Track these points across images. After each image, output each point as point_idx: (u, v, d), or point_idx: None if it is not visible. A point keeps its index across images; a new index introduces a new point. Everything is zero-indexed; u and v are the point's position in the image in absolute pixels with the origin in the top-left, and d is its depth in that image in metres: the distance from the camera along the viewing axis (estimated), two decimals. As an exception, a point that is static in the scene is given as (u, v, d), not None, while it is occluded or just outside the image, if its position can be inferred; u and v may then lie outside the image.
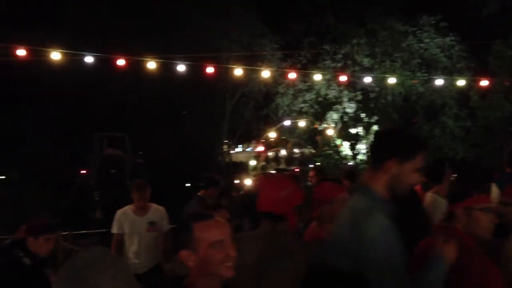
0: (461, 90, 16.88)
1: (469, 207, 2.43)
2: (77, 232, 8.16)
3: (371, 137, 19.54)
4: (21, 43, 7.99)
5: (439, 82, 15.31)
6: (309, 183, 6.56)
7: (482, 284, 2.20)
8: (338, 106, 19.88)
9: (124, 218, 5.20)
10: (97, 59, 8.56)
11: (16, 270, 3.50)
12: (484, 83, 12.03)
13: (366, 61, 18.78)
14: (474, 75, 16.43)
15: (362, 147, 19.75)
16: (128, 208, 5.26)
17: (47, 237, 3.61)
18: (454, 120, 18.39)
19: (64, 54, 8.22)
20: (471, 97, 17.14)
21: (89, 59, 8.33)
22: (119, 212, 5.28)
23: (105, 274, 1.18)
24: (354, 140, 19.70)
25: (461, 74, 16.17)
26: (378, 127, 19.66)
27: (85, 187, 17.83)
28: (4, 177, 15.51)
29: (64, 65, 9.26)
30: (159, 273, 5.19)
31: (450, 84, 16.94)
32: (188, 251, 1.82)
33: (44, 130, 19.69)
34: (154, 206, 5.39)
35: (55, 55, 8.04)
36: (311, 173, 6.78)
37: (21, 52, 7.76)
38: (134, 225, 5.14)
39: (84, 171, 18.37)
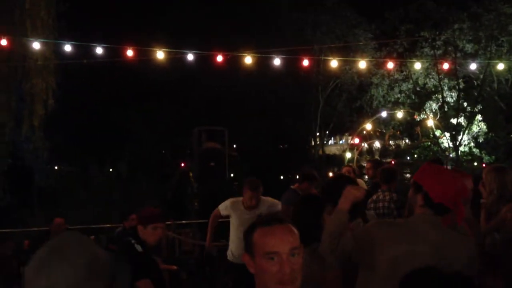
0: None
1: None
2: (178, 222, 8.53)
3: (474, 128, 18.41)
4: (128, 44, 8.55)
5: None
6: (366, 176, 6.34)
7: None
8: (437, 96, 18.98)
9: (234, 208, 5.28)
10: (197, 56, 8.90)
11: (130, 257, 3.74)
12: None
13: (469, 47, 17.68)
14: None
15: (464, 138, 18.65)
16: (241, 200, 5.32)
17: (154, 225, 3.82)
18: None
19: (166, 53, 8.66)
20: None
21: (190, 56, 8.70)
22: (231, 200, 5.35)
23: (71, 259, 1.25)
24: (455, 131, 18.65)
25: None
26: (482, 117, 18.48)
27: (185, 179, 18.77)
28: (111, 170, 16.68)
29: (166, 63, 9.78)
30: None
31: None
32: (249, 256, 1.69)
33: (148, 126, 20.96)
34: (265, 199, 5.30)
35: (160, 54, 8.51)
36: (367, 165, 6.55)
37: (129, 53, 8.32)
38: (241, 217, 5.14)
39: (183, 164, 19.33)
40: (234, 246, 5.24)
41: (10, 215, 13.41)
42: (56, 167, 20.22)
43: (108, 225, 10.06)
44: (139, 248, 3.74)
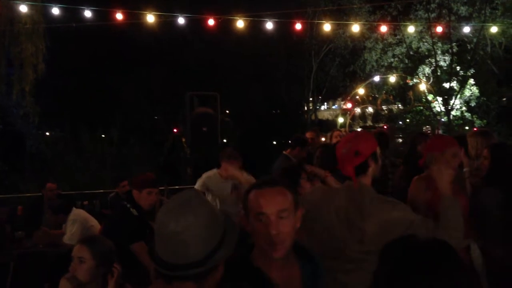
0: None
1: None
2: (171, 187, 8.57)
3: (467, 92, 18.43)
4: (117, 7, 8.37)
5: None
6: None
7: None
8: (430, 60, 18.89)
9: (210, 182, 5.31)
10: (188, 20, 8.75)
11: (126, 220, 3.79)
12: None
13: (463, 10, 17.49)
14: None
15: (456, 102, 18.69)
16: (213, 173, 5.35)
17: (149, 190, 3.86)
18: None
19: (157, 17, 8.51)
20: None
21: (180, 20, 8.55)
22: (205, 175, 5.39)
23: (198, 210, 1.46)
24: (447, 95, 18.66)
25: None
26: (475, 81, 18.48)
27: (178, 145, 18.78)
28: (104, 136, 16.61)
29: (157, 27, 9.63)
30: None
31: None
32: (245, 216, 1.77)
33: (140, 91, 20.76)
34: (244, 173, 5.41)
35: (150, 18, 8.35)
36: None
37: (118, 16, 8.16)
38: (219, 187, 5.20)
39: (176, 130, 19.29)
40: None
41: (2, 181, 13.40)
42: (47, 133, 20.09)
43: (101, 191, 10.11)
44: (134, 212, 3.79)
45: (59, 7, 8.42)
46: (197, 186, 5.40)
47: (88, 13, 8.52)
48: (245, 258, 1.77)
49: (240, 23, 8.64)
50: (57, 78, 17.82)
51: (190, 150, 9.63)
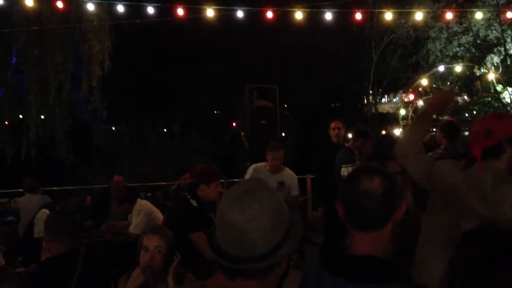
0: None
1: None
2: (231, 180, 8.68)
3: (540, 81, 17.32)
4: (178, 3, 8.55)
5: None
6: None
7: None
8: (499, 48, 17.91)
9: (258, 173, 5.33)
10: (246, 13, 8.78)
11: (186, 211, 3.86)
12: None
13: (536, -7, 16.45)
14: None
15: (528, 92, 17.63)
16: (262, 166, 5.40)
17: (217, 183, 3.91)
18: None
19: (216, 11, 8.61)
20: None
21: (239, 13, 8.60)
22: (253, 167, 5.43)
23: (264, 200, 1.37)
24: (518, 85, 17.64)
25: None
26: (548, 70, 17.35)
27: (237, 138, 18.96)
28: (166, 130, 17.08)
29: (216, 21, 9.73)
30: None
31: None
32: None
33: (200, 85, 21.15)
34: (288, 169, 5.50)
35: (209, 12, 8.48)
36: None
37: (179, 12, 8.34)
38: (267, 181, 5.17)
39: (235, 124, 19.49)
40: None
41: (72, 173, 14.12)
42: (113, 128, 20.95)
43: (163, 183, 10.41)
44: (194, 203, 3.86)
45: (124, 5, 8.72)
46: (246, 176, 5.45)
47: (150, 10, 8.77)
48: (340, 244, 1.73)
49: (298, 15, 8.56)
50: (121, 75, 18.49)
51: (249, 144, 9.69)
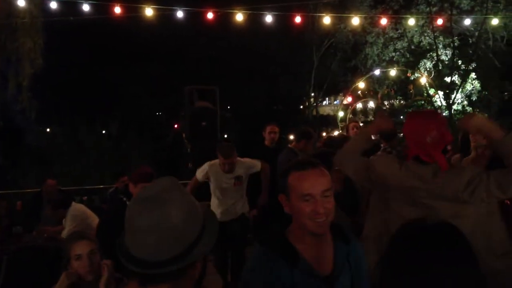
0: None
1: None
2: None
3: (468, 86, 18.34)
4: (115, 1, 8.31)
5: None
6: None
7: None
8: (432, 54, 18.80)
9: (212, 171, 5.25)
10: (187, 13, 8.67)
11: (122, 214, 3.74)
12: None
13: (465, 3, 17.37)
14: None
15: (458, 96, 18.61)
16: (217, 163, 5.29)
17: (144, 185, 3.82)
18: None
19: (155, 10, 8.44)
20: None
21: (179, 14, 8.49)
22: (208, 164, 5.33)
23: (174, 201, 1.31)
24: (448, 89, 18.58)
25: None
26: (476, 74, 18.38)
27: (178, 140, 18.72)
28: (103, 131, 16.60)
29: (156, 21, 9.55)
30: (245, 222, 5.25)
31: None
32: (285, 196, 1.84)
33: (139, 86, 20.69)
34: (239, 161, 5.27)
35: (148, 11, 8.29)
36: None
37: (116, 10, 8.09)
38: (219, 179, 5.14)
39: (176, 125, 19.23)
40: (213, 206, 5.25)
41: (2, 176, 13.39)
42: (48, 130, 20.07)
43: (101, 186, 10.08)
44: (130, 205, 3.74)
45: (57, 1, 8.35)
46: (197, 174, 5.35)
47: (86, 7, 8.46)
48: (280, 234, 1.85)
49: (239, 17, 8.57)
50: (55, 73, 17.76)
51: (190, 145, 9.59)
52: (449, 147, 4.04)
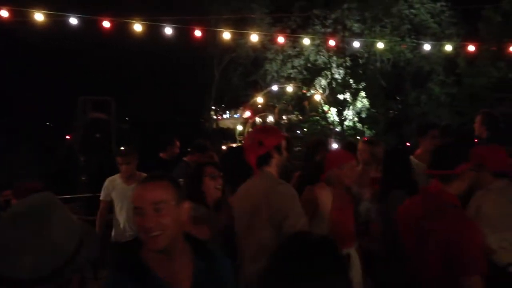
0: (448, 56, 16.79)
1: None
2: (62, 196, 8.08)
3: (358, 104, 19.60)
4: (4, 4, 7.77)
5: (427, 47, 15.14)
6: None
7: None
8: (326, 72, 19.81)
9: (112, 186, 5.15)
10: (82, 21, 8.33)
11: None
12: (472, 48, 11.90)
13: (356, 27, 18.61)
14: (463, 41, 16.32)
15: (349, 113, 19.79)
16: (117, 177, 5.20)
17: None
18: (441, 87, 18.43)
19: (47, 15, 8.01)
20: (458, 64, 17.13)
21: (73, 20, 8.12)
22: (107, 180, 5.22)
23: (52, 217, 1.27)
24: (341, 106, 19.71)
25: (449, 41, 16.05)
26: (366, 93, 19.69)
27: (71, 151, 17.76)
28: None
29: (49, 27, 9.04)
30: None
31: (438, 51, 16.83)
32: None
33: (30, 93, 19.37)
34: (142, 175, 5.30)
35: (39, 16, 7.84)
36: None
37: (3, 13, 7.56)
38: (123, 193, 5.08)
39: (69, 136, 18.23)
40: (123, 220, 5.13)
41: None
42: None
43: (-18, 201, 9.25)
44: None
45: None
46: (101, 196, 5.19)
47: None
48: (133, 253, 1.77)
49: (137, 27, 8.42)
50: None
51: (84, 157, 9.17)
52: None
